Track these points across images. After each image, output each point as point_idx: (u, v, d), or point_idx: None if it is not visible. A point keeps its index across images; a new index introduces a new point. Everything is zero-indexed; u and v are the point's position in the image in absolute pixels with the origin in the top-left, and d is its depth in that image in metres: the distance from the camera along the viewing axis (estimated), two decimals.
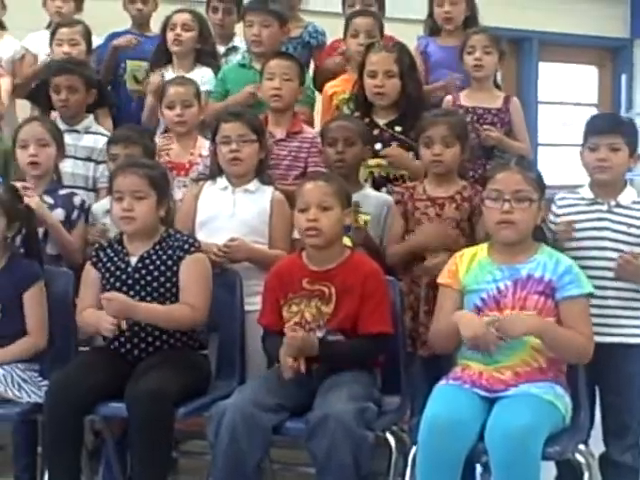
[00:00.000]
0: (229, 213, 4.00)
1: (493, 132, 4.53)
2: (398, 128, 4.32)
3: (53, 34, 5.13)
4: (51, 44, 5.14)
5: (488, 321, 3.30)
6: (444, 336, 3.43)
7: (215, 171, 4.09)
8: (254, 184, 4.04)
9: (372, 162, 4.27)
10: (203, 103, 4.61)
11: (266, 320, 3.65)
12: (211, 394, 3.65)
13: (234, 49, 5.35)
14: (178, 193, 4.21)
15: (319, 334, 3.53)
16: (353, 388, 3.40)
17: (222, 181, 4.07)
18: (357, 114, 4.41)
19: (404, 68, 4.34)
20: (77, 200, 4.17)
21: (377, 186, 4.27)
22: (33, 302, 3.72)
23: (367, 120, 4.34)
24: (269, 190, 4.04)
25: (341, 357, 3.52)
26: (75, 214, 4.13)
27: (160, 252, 3.72)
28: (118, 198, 3.70)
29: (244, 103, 4.66)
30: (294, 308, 3.58)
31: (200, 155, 4.40)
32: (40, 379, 3.69)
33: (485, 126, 4.54)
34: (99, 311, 3.63)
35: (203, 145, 4.45)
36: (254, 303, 3.83)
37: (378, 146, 4.29)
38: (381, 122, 4.35)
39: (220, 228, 3.98)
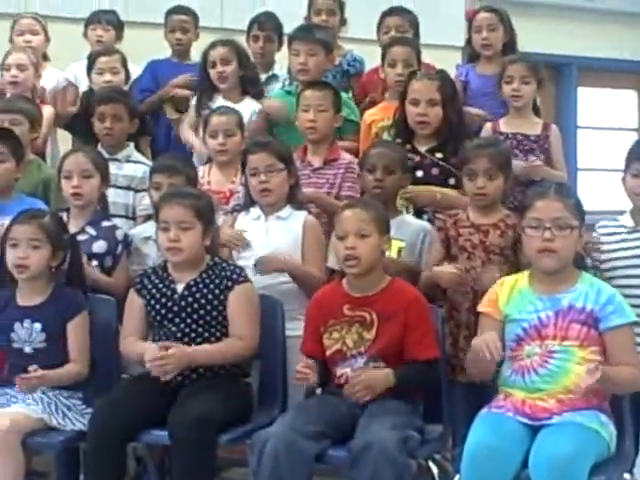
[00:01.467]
0: (262, 242, 4.02)
1: (538, 163, 4.51)
2: (439, 155, 4.33)
3: (92, 63, 5.20)
4: (89, 73, 5.22)
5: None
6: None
7: (248, 201, 4.13)
8: (286, 211, 4.07)
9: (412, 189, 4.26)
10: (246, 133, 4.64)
11: (308, 348, 3.65)
12: (253, 422, 3.65)
13: (274, 77, 5.39)
14: (219, 221, 4.24)
15: (361, 361, 3.54)
16: (396, 416, 3.40)
17: (255, 210, 4.10)
18: (398, 141, 4.42)
19: (446, 96, 4.35)
20: (120, 234, 4.18)
21: (419, 213, 4.27)
22: (77, 332, 3.75)
23: (408, 147, 4.36)
24: (302, 215, 4.06)
25: (404, 382, 3.51)
26: (119, 249, 4.15)
27: (207, 280, 3.74)
28: (164, 228, 3.73)
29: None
30: (335, 335, 3.60)
31: (242, 183, 4.41)
32: (83, 407, 3.72)
33: (531, 158, 4.53)
34: (146, 343, 3.66)
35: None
36: (295, 328, 3.84)
37: (419, 173, 4.30)
38: (422, 149, 4.36)
39: (254, 257, 4.00)
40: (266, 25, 5.43)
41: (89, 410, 3.67)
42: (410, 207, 4.29)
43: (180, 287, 3.74)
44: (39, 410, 3.61)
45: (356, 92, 5.34)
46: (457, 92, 4.50)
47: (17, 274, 3.73)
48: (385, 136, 4.67)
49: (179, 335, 3.69)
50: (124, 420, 3.51)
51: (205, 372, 3.69)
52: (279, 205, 4.07)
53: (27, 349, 3.72)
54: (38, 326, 3.72)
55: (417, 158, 4.33)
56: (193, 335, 3.70)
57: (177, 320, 3.70)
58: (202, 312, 3.70)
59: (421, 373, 3.53)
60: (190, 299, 3.72)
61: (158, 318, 3.73)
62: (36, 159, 4.72)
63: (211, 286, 3.73)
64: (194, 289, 3.73)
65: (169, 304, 3.73)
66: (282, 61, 5.33)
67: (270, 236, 4.03)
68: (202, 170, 4.55)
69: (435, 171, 4.30)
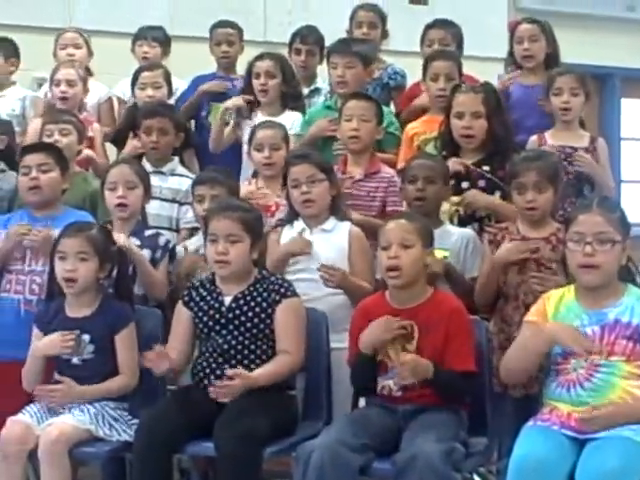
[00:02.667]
0: (308, 255, 4.03)
1: (586, 158, 4.48)
2: (486, 167, 4.31)
3: (135, 78, 5.25)
4: (133, 88, 5.27)
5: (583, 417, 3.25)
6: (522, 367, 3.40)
7: (291, 214, 4.14)
8: (330, 223, 4.08)
9: (456, 199, 4.27)
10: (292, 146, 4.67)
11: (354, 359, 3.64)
12: (298, 434, 3.66)
13: (317, 91, 5.43)
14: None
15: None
16: (440, 429, 3.40)
17: (299, 224, 4.11)
18: (444, 154, 4.42)
19: (491, 108, 4.34)
20: (162, 240, 4.22)
21: (463, 224, 4.26)
22: (125, 343, 3.77)
23: (455, 159, 4.34)
24: (346, 226, 4.07)
25: (445, 386, 3.50)
26: (159, 253, 4.19)
27: (255, 294, 3.76)
28: (213, 240, 3.75)
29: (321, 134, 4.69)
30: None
31: (281, 196, 4.42)
32: (130, 417, 3.74)
33: (578, 153, 4.51)
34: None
35: None
36: (340, 340, 3.84)
37: (465, 185, 4.30)
38: (469, 161, 4.35)
39: (301, 271, 4.03)
40: (308, 39, 5.47)
41: (135, 421, 3.69)
42: (455, 217, 4.27)
43: (228, 300, 3.76)
44: (86, 421, 3.64)
45: (398, 105, 5.34)
46: (502, 104, 4.48)
47: (66, 288, 3.77)
48: (430, 149, 4.67)
49: (225, 347, 3.71)
50: (170, 431, 3.52)
51: None
52: (322, 217, 4.08)
53: (75, 360, 3.75)
54: (87, 337, 3.75)
55: (463, 170, 4.32)
56: (240, 347, 3.71)
57: (224, 332, 3.72)
58: (249, 325, 3.72)
59: (457, 382, 3.51)
60: (237, 311, 3.73)
61: (205, 330, 3.76)
62: (82, 172, 4.78)
63: (258, 299, 3.74)
64: (242, 302, 3.75)
65: (216, 316, 3.75)
66: (325, 74, 5.34)
67: (315, 248, 4.04)
68: (248, 183, 4.57)
69: (482, 183, 4.29)
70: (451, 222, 4.22)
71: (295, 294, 3.77)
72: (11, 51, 5.58)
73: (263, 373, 3.64)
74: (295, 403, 3.78)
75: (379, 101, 4.73)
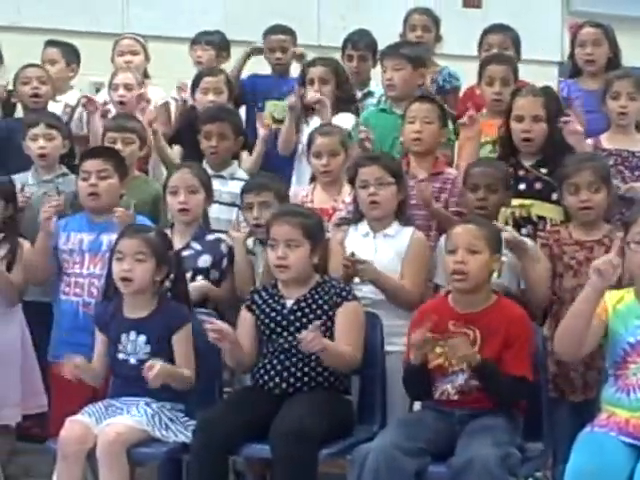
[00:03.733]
0: (371, 259, 4.01)
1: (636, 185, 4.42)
2: (544, 170, 4.28)
3: (196, 83, 5.28)
4: (193, 92, 5.30)
5: None
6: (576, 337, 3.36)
7: (357, 215, 4.15)
8: (394, 228, 4.07)
9: (514, 202, 4.24)
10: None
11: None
12: (353, 437, 3.67)
13: (370, 94, 5.43)
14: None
15: (462, 377, 3.54)
16: (496, 433, 3.39)
17: (363, 227, 4.11)
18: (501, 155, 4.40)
19: (551, 112, 4.32)
20: (224, 247, 4.24)
21: (518, 226, 4.22)
22: (182, 343, 3.79)
23: (513, 160, 4.34)
24: (409, 231, 4.06)
25: (491, 381, 3.49)
26: (224, 263, 4.21)
27: (316, 296, 3.78)
28: (272, 246, 3.77)
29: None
30: (438, 349, 3.58)
31: (343, 202, 4.45)
32: (186, 419, 3.76)
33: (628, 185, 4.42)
34: None
35: (349, 191, 4.47)
36: (394, 344, 3.85)
37: (522, 186, 4.27)
38: (527, 163, 4.33)
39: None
40: (359, 44, 5.48)
41: (191, 422, 3.72)
42: (509, 220, 4.22)
43: (289, 303, 3.79)
44: (143, 422, 3.67)
45: (453, 108, 5.32)
46: (562, 108, 4.45)
47: (122, 288, 3.80)
48: (483, 153, 4.65)
49: (287, 346, 3.73)
50: (227, 433, 3.55)
51: (309, 381, 3.72)
52: (387, 221, 4.07)
53: (132, 361, 3.79)
54: (143, 338, 3.78)
55: (521, 172, 4.30)
56: (295, 359, 3.72)
57: (286, 334, 3.75)
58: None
59: (509, 386, 3.49)
60: (299, 314, 3.76)
61: (267, 332, 3.79)
62: (142, 175, 4.83)
63: (320, 302, 3.76)
64: (303, 304, 3.77)
65: (278, 318, 3.77)
66: (379, 77, 5.36)
67: (379, 254, 4.03)
68: (306, 190, 4.59)
69: (538, 185, 4.27)
70: (505, 224, 4.18)
71: (355, 298, 3.79)
72: (72, 57, 5.67)
73: (333, 345, 3.65)
74: (351, 406, 3.79)
75: (441, 103, 4.72)
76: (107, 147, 4.59)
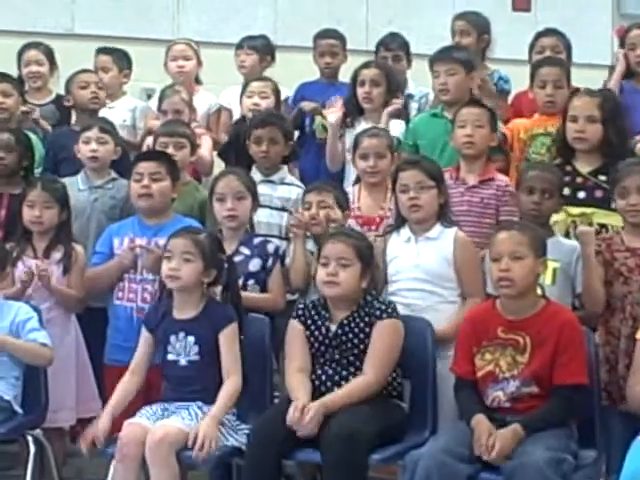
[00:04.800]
0: (413, 264, 4.03)
1: None
2: (602, 177, 4.26)
3: (244, 88, 5.32)
4: (241, 98, 5.34)
5: None
6: None
7: (398, 221, 4.15)
8: (435, 230, 4.06)
9: (575, 211, 4.23)
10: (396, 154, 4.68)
11: (459, 368, 3.66)
12: (404, 442, 3.67)
13: (410, 97, 5.43)
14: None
15: (513, 384, 3.52)
16: (550, 439, 3.38)
17: (405, 232, 4.11)
18: (558, 161, 4.39)
19: (607, 114, 4.30)
20: (271, 247, 4.26)
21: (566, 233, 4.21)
22: (228, 342, 3.79)
23: (569, 168, 4.31)
24: (452, 232, 4.05)
25: (543, 423, 3.46)
26: (270, 261, 4.23)
27: (358, 319, 3.76)
28: (324, 264, 3.78)
29: None
30: (488, 356, 3.59)
31: (390, 209, 4.44)
32: (237, 422, 3.78)
33: None
34: (299, 392, 3.67)
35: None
36: (445, 349, 3.84)
37: (582, 195, 4.26)
38: (584, 170, 4.31)
39: (406, 280, 4.03)
40: (391, 45, 5.51)
41: (243, 426, 3.75)
42: (571, 228, 4.22)
43: (334, 327, 3.78)
44: (193, 424, 3.67)
45: (503, 112, 5.30)
46: (621, 112, 4.42)
47: (169, 283, 3.83)
48: (535, 146, 4.61)
49: (337, 357, 3.74)
50: (281, 437, 3.57)
51: None
52: (429, 224, 4.07)
53: (182, 362, 3.81)
54: (192, 339, 3.80)
55: (579, 179, 4.29)
56: (348, 367, 3.74)
57: (328, 357, 3.75)
58: (356, 351, 3.74)
59: (564, 402, 3.47)
60: (343, 337, 3.75)
61: (312, 351, 3.80)
62: (192, 181, 4.87)
63: (361, 324, 3.75)
64: (347, 328, 3.76)
65: (325, 341, 3.77)
66: (417, 80, 5.41)
67: (421, 257, 4.04)
68: (351, 193, 4.59)
69: (599, 193, 4.24)
70: (567, 234, 4.18)
71: (392, 315, 3.77)
72: (125, 63, 5.72)
73: (336, 397, 3.65)
74: (402, 412, 3.79)
75: (491, 107, 4.70)
76: (160, 151, 4.64)
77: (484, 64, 5.45)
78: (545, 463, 3.24)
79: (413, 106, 5.35)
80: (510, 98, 5.44)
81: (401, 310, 3.86)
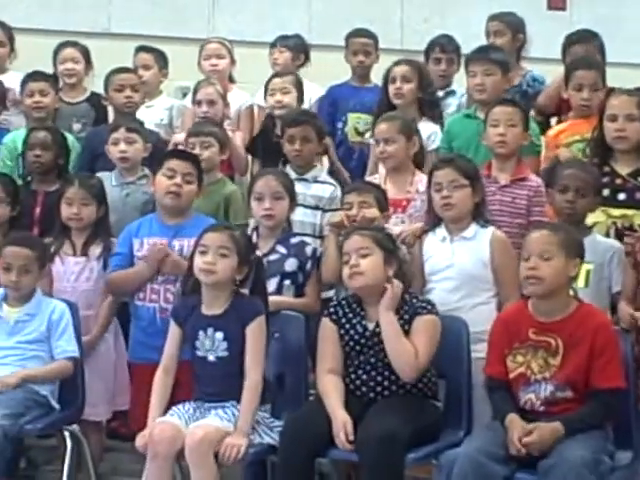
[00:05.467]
0: (448, 264, 4.03)
1: None
2: None
3: (267, 85, 5.34)
4: (265, 96, 5.35)
5: None
6: None
7: (433, 220, 4.14)
8: (471, 230, 4.05)
9: (616, 212, 4.20)
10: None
11: (491, 369, 3.64)
12: (439, 442, 3.67)
13: (452, 93, 5.45)
14: (395, 229, 4.25)
15: (545, 386, 3.51)
16: (586, 440, 3.37)
17: (441, 231, 4.10)
18: (595, 161, 4.36)
19: None
20: (309, 250, 4.26)
21: (620, 236, 4.16)
22: (254, 336, 3.77)
23: (607, 169, 4.29)
24: (488, 232, 4.03)
25: (581, 424, 3.44)
26: (309, 264, 4.22)
27: (397, 316, 3.73)
28: (346, 260, 3.77)
29: None
30: (519, 358, 3.57)
31: (417, 191, 4.46)
32: (272, 420, 3.79)
33: None
34: (336, 406, 3.66)
35: (421, 180, 4.51)
36: (480, 350, 3.82)
37: (622, 196, 4.23)
38: (623, 172, 4.27)
39: (442, 280, 4.03)
40: (448, 47, 5.51)
41: (277, 424, 3.75)
42: (612, 230, 4.19)
43: (371, 325, 3.76)
44: (229, 423, 3.70)
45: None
46: None
47: (203, 278, 3.79)
48: (575, 151, 4.61)
49: (373, 360, 3.73)
50: (315, 435, 3.59)
51: (398, 389, 3.72)
52: (463, 223, 4.06)
53: (211, 357, 3.81)
54: (220, 335, 3.80)
55: (619, 180, 4.26)
56: (380, 374, 3.72)
57: (371, 351, 3.73)
58: None
59: (602, 406, 3.46)
60: (381, 336, 3.72)
61: (347, 350, 3.78)
62: (223, 178, 4.86)
63: (401, 322, 3.73)
64: None
65: (362, 341, 3.75)
66: (460, 80, 5.38)
67: (456, 257, 4.03)
68: (377, 179, 4.62)
69: (639, 195, 4.21)
70: (607, 235, 4.15)
71: (432, 311, 3.75)
72: (163, 61, 5.77)
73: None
74: (438, 412, 3.79)
75: (523, 106, 4.69)
76: (194, 154, 4.60)
77: (520, 64, 5.43)
78: (582, 463, 3.23)
79: (452, 102, 5.33)
80: None
81: None
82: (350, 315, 3.80)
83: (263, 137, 5.27)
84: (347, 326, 3.79)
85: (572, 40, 5.35)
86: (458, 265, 4.02)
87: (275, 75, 5.41)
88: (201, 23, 6.84)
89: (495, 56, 4.98)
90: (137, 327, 4.32)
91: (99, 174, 4.73)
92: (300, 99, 5.33)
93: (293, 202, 4.34)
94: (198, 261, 3.79)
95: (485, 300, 4.01)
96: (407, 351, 3.65)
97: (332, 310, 3.83)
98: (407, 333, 3.71)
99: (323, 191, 4.70)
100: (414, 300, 3.78)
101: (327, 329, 3.81)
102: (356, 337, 3.76)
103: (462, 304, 3.98)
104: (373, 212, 4.22)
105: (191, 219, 4.33)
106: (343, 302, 3.86)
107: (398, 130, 4.57)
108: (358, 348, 3.76)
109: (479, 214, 4.07)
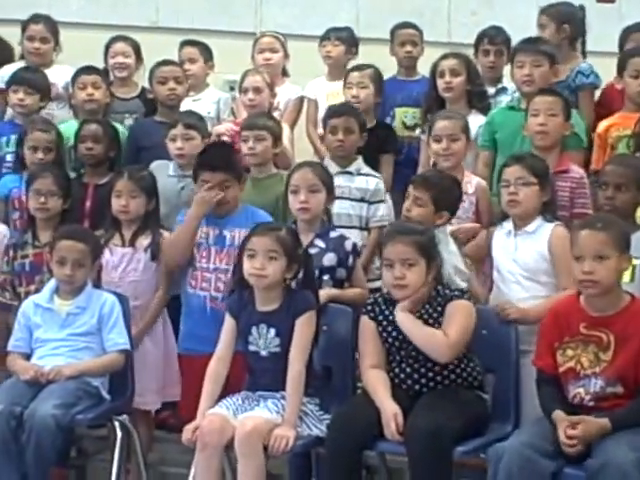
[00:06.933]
0: (511, 257, 4.03)
1: None
2: None
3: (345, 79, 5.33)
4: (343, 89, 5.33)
5: None
6: None
7: (502, 214, 4.14)
8: (534, 224, 4.02)
9: None
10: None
11: (541, 362, 3.63)
12: (487, 435, 3.67)
13: (503, 90, 5.39)
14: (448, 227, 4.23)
15: (595, 382, 3.49)
16: (634, 437, 3.35)
17: (507, 225, 4.10)
18: (638, 154, 4.33)
19: None
20: (348, 245, 4.21)
21: None
22: (302, 328, 3.78)
23: None
24: (550, 226, 4.01)
25: (630, 422, 3.43)
26: (351, 260, 4.19)
27: (431, 310, 3.75)
28: (389, 265, 3.75)
29: None
30: (569, 352, 3.56)
31: (466, 192, 4.44)
32: (321, 412, 3.81)
33: None
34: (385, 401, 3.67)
35: (470, 181, 4.52)
36: (528, 343, 3.82)
37: None
38: None
39: (507, 273, 4.04)
40: (497, 39, 5.47)
41: (326, 416, 3.77)
42: None
43: None
44: (278, 415, 3.72)
45: (585, 106, 5.23)
46: None
47: (254, 282, 3.82)
48: (621, 148, 4.58)
49: (414, 354, 3.73)
50: (362, 428, 3.60)
51: (443, 380, 3.73)
52: (530, 218, 4.03)
53: (263, 352, 3.84)
54: (273, 331, 3.82)
55: None
56: (423, 365, 3.73)
57: (407, 350, 3.74)
58: None
59: None
60: None
61: (387, 345, 3.79)
62: (279, 173, 4.84)
63: (435, 315, 3.74)
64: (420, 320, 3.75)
65: (400, 336, 3.75)
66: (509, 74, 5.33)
67: (519, 251, 4.03)
68: None
69: None
70: None
71: (464, 297, 3.76)
72: (208, 55, 5.79)
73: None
74: (485, 404, 3.79)
75: (564, 95, 4.67)
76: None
77: (575, 54, 5.38)
78: (631, 464, 3.23)
79: (504, 99, 5.30)
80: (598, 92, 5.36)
81: None
82: (387, 312, 3.81)
83: None
84: (384, 323, 3.80)
85: (632, 29, 5.31)
86: (520, 259, 4.02)
87: (354, 68, 5.39)
88: (248, 16, 6.85)
89: (544, 48, 4.94)
90: (187, 316, 4.35)
91: (157, 162, 4.78)
92: (379, 93, 5.29)
93: (331, 195, 4.29)
94: (247, 265, 3.81)
95: (546, 294, 3.98)
96: (432, 334, 3.67)
97: (369, 308, 3.83)
98: (441, 324, 3.71)
99: (367, 183, 4.70)
100: (447, 291, 3.78)
101: (366, 326, 3.82)
102: (394, 333, 3.77)
103: (523, 297, 3.97)
104: (424, 212, 4.13)
105: (240, 211, 4.36)
106: (380, 299, 3.86)
107: (462, 129, 4.58)
108: (397, 344, 3.77)
109: (548, 212, 4.04)
